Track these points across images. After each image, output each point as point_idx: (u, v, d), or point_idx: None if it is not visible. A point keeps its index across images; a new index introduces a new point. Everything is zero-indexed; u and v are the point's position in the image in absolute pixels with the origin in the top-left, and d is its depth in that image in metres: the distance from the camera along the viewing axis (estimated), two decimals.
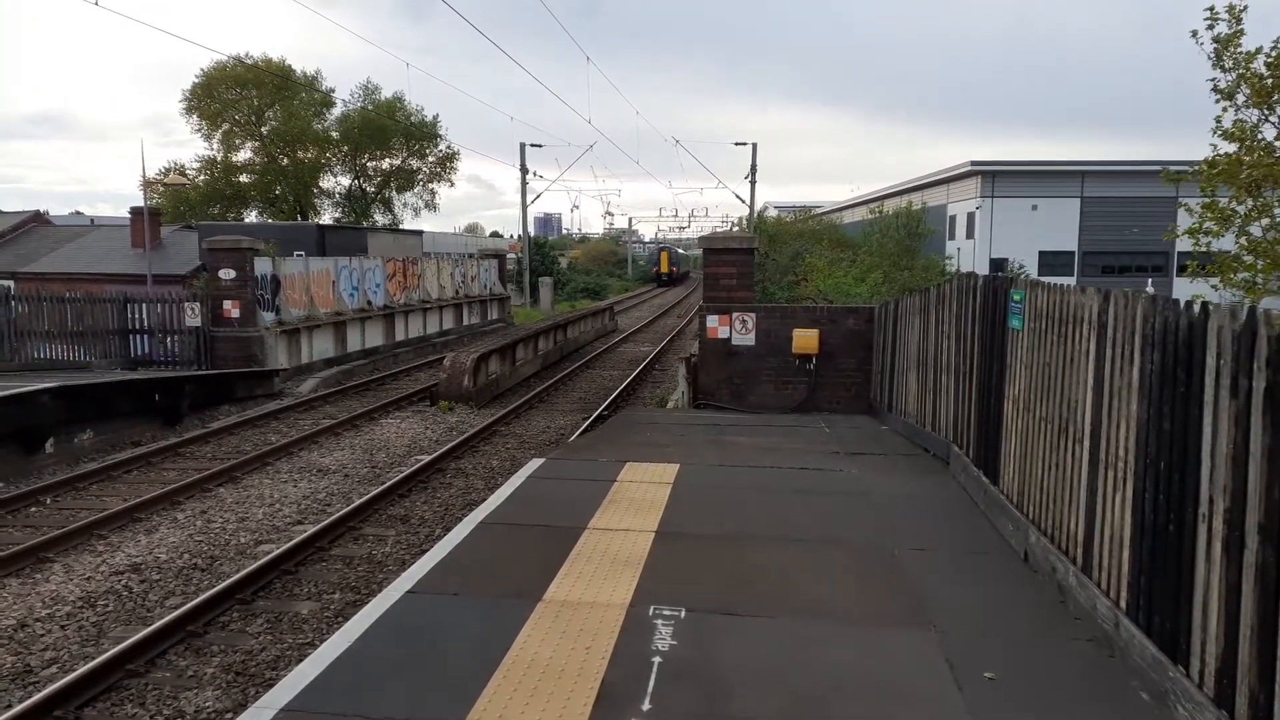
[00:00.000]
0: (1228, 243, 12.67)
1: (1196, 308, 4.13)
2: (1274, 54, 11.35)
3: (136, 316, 19.55)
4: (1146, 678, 4.45)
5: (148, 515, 10.50)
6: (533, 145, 44.85)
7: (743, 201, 46.17)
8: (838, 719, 4.27)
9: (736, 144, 49.13)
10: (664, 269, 69.44)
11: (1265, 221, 12.09)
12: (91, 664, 6.47)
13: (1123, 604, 4.80)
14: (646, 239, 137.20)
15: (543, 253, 59.52)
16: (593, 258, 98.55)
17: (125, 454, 13.70)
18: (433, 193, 52.86)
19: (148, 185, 41.72)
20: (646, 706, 4.35)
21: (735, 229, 61.39)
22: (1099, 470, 5.19)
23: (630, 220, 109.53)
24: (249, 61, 44.95)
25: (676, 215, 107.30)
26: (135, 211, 31.03)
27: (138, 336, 19.58)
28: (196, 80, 45.91)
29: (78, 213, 61.94)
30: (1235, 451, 3.71)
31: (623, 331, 35.10)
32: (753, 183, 44.66)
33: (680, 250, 79.07)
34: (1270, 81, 11.29)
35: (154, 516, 10.50)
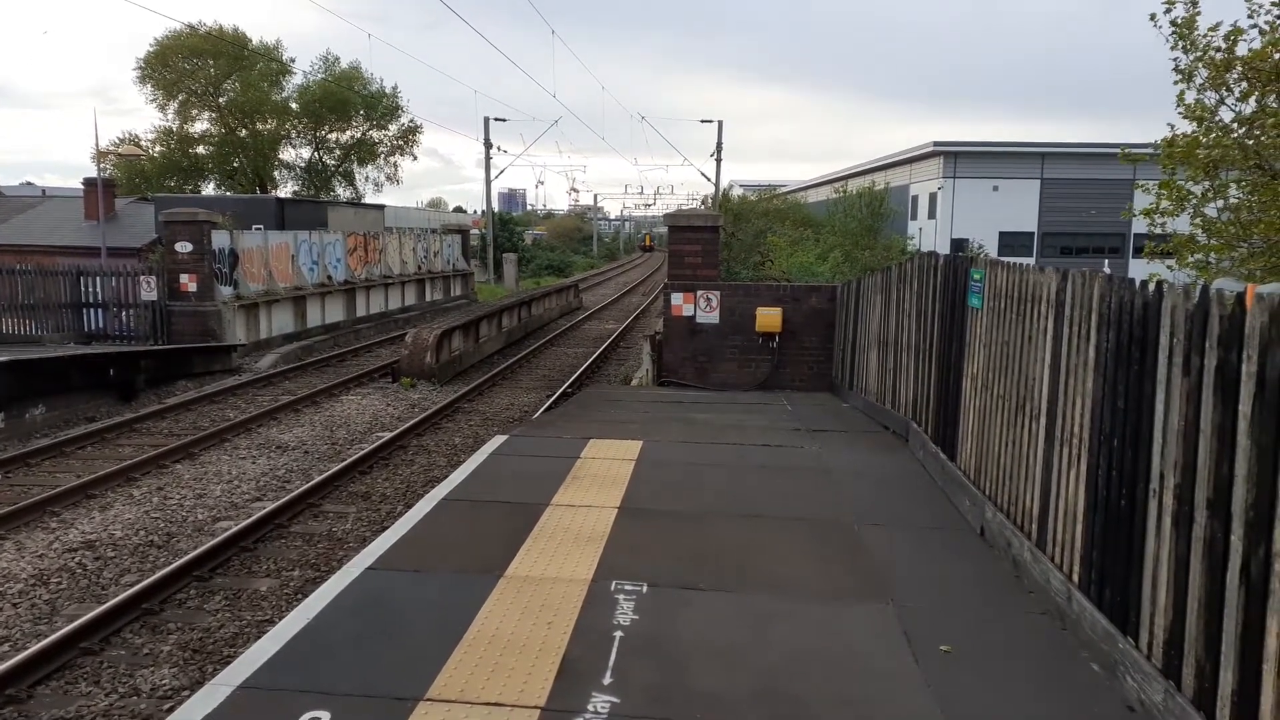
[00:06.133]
0: (1183, 224, 12.87)
1: (1151, 287, 4.19)
2: (1230, 30, 11.49)
3: (90, 290, 19.17)
4: (1097, 649, 4.54)
5: (102, 492, 10.33)
6: (497, 119, 44.51)
7: (708, 179, 46.14)
8: (798, 691, 4.32)
9: (703, 121, 49.12)
10: (647, 244, 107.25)
11: (1220, 203, 12.29)
12: (44, 642, 6.37)
13: (1075, 578, 4.90)
14: (612, 216, 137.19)
15: (507, 229, 59.04)
16: (558, 234, 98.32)
17: (79, 430, 13.45)
18: (395, 166, 52.24)
19: (101, 156, 40.78)
20: (608, 680, 4.37)
21: (701, 207, 61.41)
22: (1054, 447, 5.27)
23: (595, 197, 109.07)
24: (203, 31, 43.93)
25: (642, 192, 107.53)
26: (89, 183, 30.36)
27: (91, 310, 19.20)
28: (151, 49, 44.88)
29: (28, 183, 60.39)
30: (1186, 428, 3.78)
31: (587, 309, 35.02)
32: (718, 160, 44.63)
33: (656, 230, 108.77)
34: (1225, 57, 11.42)
35: (109, 493, 10.33)
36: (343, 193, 51.15)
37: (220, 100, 46.46)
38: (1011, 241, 41.78)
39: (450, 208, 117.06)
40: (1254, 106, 11.66)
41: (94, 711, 5.78)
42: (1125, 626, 4.28)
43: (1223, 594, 3.47)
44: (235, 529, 8.76)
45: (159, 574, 7.62)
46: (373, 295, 27.51)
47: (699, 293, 13.54)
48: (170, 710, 5.19)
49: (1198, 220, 12.59)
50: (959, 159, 42.69)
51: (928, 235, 42.35)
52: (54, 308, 19.07)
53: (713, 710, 4.13)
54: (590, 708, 4.12)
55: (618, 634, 4.87)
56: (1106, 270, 5.21)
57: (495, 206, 53.08)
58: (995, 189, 42.33)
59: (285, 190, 49.11)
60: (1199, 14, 11.70)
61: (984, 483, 6.64)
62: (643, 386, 14.47)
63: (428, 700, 4.17)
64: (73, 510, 9.73)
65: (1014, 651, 4.78)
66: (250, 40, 46.59)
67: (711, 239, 13.86)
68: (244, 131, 47.36)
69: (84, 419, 14.41)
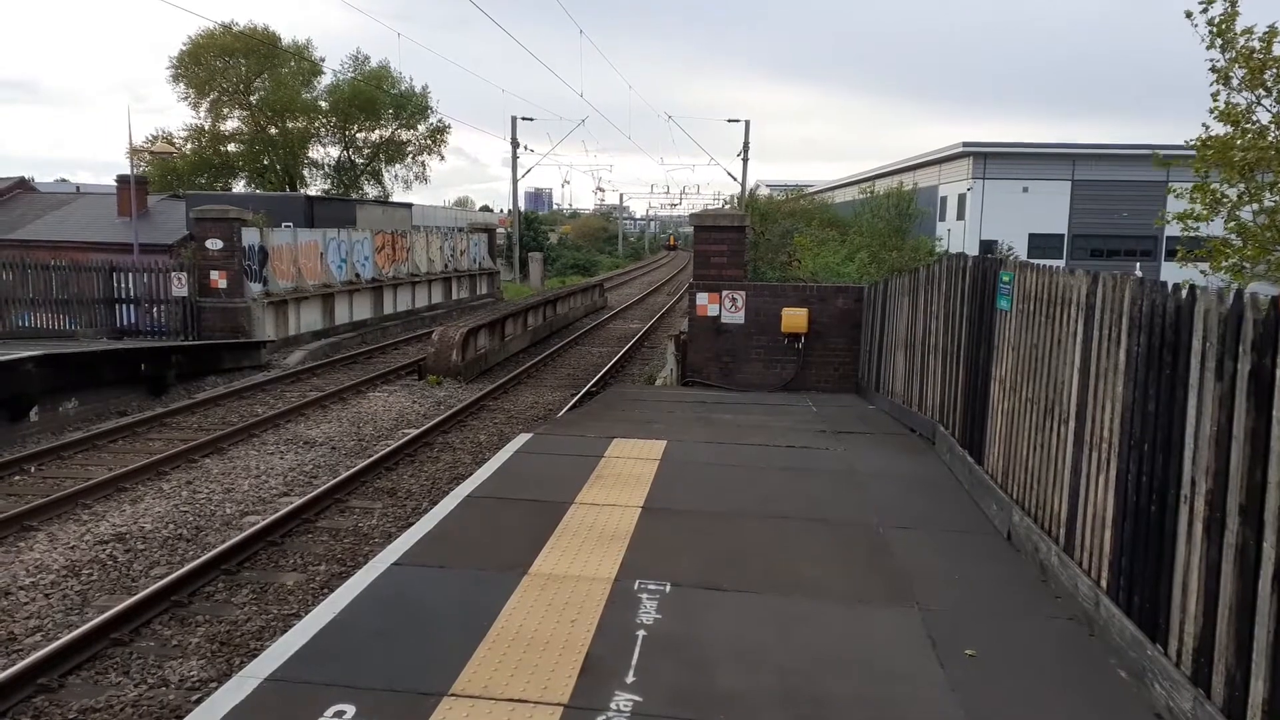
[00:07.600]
0: (1216, 227, 12.70)
1: (1184, 291, 4.14)
2: (1267, 31, 11.32)
3: (122, 285, 19.42)
4: (1125, 656, 4.50)
5: (133, 485, 10.46)
6: (524, 119, 44.71)
7: (735, 179, 46.09)
8: (821, 694, 4.30)
9: (730, 120, 49.05)
10: (671, 244, 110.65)
11: (1254, 206, 12.11)
12: (75, 632, 6.47)
13: (1104, 583, 4.85)
14: (638, 216, 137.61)
15: (533, 228, 59.33)
16: (583, 234, 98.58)
17: (110, 423, 13.63)
18: (423, 165, 52.56)
19: (134, 153, 41.30)
20: (631, 679, 4.38)
21: (727, 207, 61.37)
22: (1083, 451, 5.22)
23: (621, 196, 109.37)
24: (236, 30, 44.43)
25: (668, 192, 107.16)
26: (121, 180, 30.75)
27: (123, 306, 19.45)
28: (184, 48, 45.46)
29: (63, 180, 61.33)
30: (1218, 433, 3.74)
31: (612, 308, 35.05)
32: (745, 160, 44.55)
33: (682, 230, 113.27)
34: (1262, 58, 11.25)
35: (139, 486, 10.47)
36: (371, 191, 51.55)
37: (251, 99, 46.94)
38: (1041, 243, 41.36)
39: (477, 207, 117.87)
40: None
41: (123, 701, 5.86)
42: (1154, 633, 4.24)
43: (1254, 602, 3.42)
44: (263, 523, 8.85)
45: (188, 567, 7.72)
46: (400, 293, 27.68)
47: (724, 293, 13.51)
48: (198, 701, 5.27)
49: (1232, 224, 12.42)
50: (988, 160, 42.33)
51: (956, 236, 42.01)
52: (87, 303, 19.33)
53: (735, 710, 4.13)
54: (613, 706, 4.13)
55: (641, 633, 4.87)
56: (1138, 273, 5.15)
57: (521, 205, 53.25)
58: (1025, 190, 41.93)
59: (314, 188, 49.55)
60: (1239, 14, 11.53)
61: (1011, 486, 6.59)
62: (667, 386, 14.47)
63: (452, 696, 4.20)
64: (104, 503, 9.87)
65: (1040, 657, 4.74)
66: (281, 39, 47.08)
67: (737, 239, 13.83)
68: (274, 130, 47.83)
69: (115, 413, 14.61)
